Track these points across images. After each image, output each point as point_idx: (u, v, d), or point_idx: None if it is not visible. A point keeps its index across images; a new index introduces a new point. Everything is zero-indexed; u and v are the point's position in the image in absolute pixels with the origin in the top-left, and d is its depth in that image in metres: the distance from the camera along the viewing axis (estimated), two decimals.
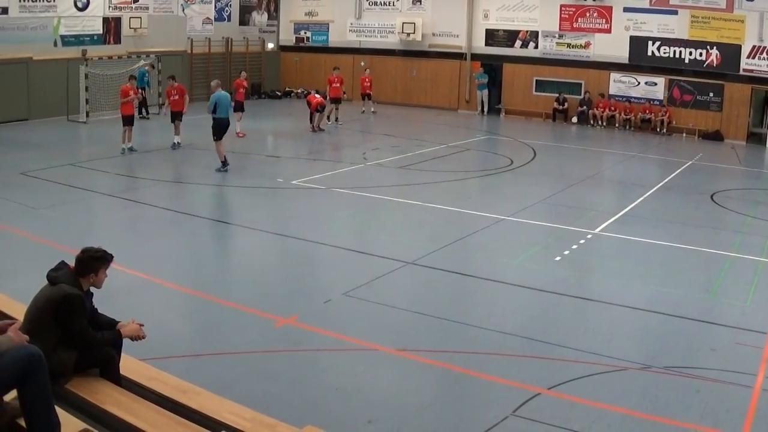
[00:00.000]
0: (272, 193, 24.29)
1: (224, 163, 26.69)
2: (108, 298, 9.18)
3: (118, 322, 8.55)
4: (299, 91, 49.52)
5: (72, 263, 8.28)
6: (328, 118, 38.64)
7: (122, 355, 8.47)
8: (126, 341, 8.48)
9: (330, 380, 11.62)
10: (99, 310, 8.57)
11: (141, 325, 8.58)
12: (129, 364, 8.60)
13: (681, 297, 16.05)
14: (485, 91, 47.12)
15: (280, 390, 11.09)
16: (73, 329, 7.95)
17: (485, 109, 47.30)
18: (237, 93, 34.21)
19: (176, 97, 30.31)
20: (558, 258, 18.38)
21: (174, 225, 20.47)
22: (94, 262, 8.28)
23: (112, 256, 8.45)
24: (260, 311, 14.14)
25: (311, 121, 36.63)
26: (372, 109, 43.36)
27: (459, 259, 18.38)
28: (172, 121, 30.38)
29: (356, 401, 10.98)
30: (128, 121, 29.10)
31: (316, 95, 36.85)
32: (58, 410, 7.15)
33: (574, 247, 19.37)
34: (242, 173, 26.75)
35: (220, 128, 27.07)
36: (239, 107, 34.03)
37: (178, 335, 13.02)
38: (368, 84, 43.65)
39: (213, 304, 14.65)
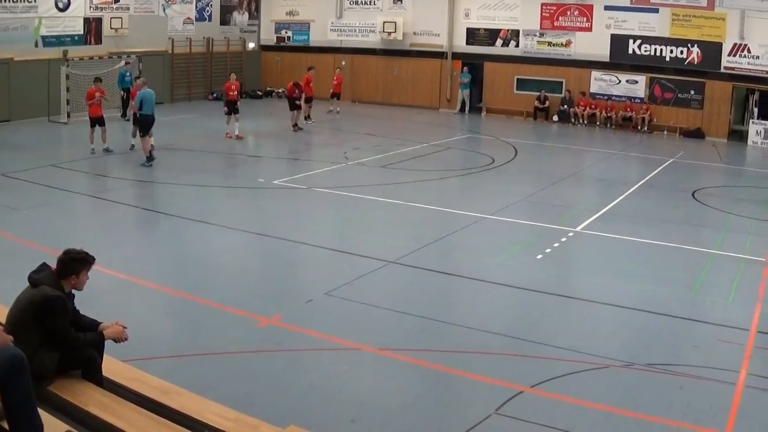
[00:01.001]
0: (254, 193, 24.25)
1: (149, 158, 26.99)
2: (90, 299, 9.14)
3: (100, 323, 8.52)
4: (280, 90, 49.42)
5: (54, 264, 8.24)
6: (306, 117, 38.56)
7: (104, 356, 8.44)
8: (108, 342, 8.45)
9: (313, 380, 11.59)
10: (81, 311, 8.53)
11: (124, 327, 8.55)
12: (111, 366, 8.57)
13: (663, 294, 16.09)
14: (467, 91, 47.15)
15: (262, 390, 11.07)
16: (55, 331, 7.91)
17: (466, 108, 47.31)
18: (227, 95, 33.92)
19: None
20: (540, 256, 18.40)
21: (155, 225, 20.44)
22: (75, 263, 8.24)
23: (93, 259, 8.40)
24: (242, 311, 14.11)
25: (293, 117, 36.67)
26: (337, 109, 43.10)
27: (441, 257, 18.40)
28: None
29: (339, 401, 10.96)
30: (96, 122, 28.75)
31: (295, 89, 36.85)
32: (41, 412, 7.12)
33: (556, 245, 19.40)
34: (224, 173, 26.73)
35: (146, 124, 27.37)
36: (233, 109, 33.70)
37: (160, 336, 12.96)
38: (337, 83, 43.47)
39: (195, 304, 14.61)
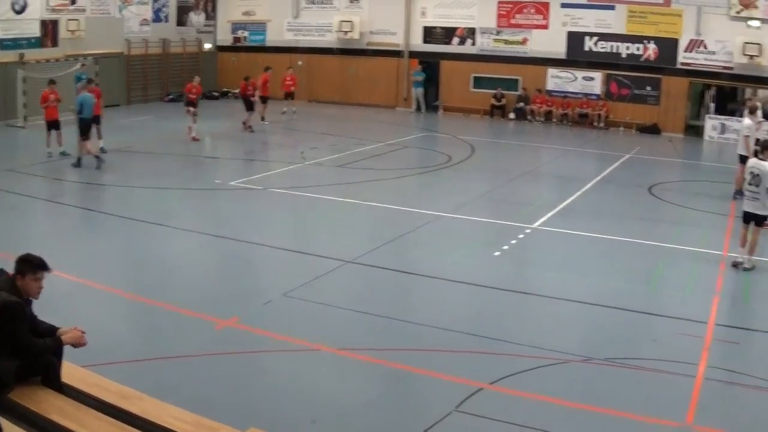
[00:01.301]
0: (210, 195, 24.08)
1: (79, 160, 26.93)
2: (47, 304, 9.01)
3: (58, 328, 8.41)
4: (236, 91, 49.15)
5: (11, 271, 8.16)
6: (262, 118, 38.41)
7: (63, 362, 8.35)
8: (67, 348, 8.36)
9: (272, 381, 11.54)
10: (38, 317, 8.44)
11: (82, 332, 8.46)
12: (71, 371, 8.47)
13: (621, 289, 16.13)
14: (421, 89, 47.11)
15: (222, 393, 10.95)
16: (14, 337, 7.79)
17: (422, 106, 47.29)
18: (188, 97, 33.66)
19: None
20: (498, 253, 18.38)
21: (112, 229, 20.20)
22: (20, 264, 8.16)
23: (41, 264, 8.27)
24: (200, 314, 13.95)
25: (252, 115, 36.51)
26: (293, 109, 42.91)
27: (399, 256, 18.33)
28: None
29: (299, 402, 10.86)
30: (52, 126, 28.46)
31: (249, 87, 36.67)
32: (1, 421, 7.04)
33: (514, 242, 19.39)
34: (180, 175, 26.55)
35: (86, 128, 27.27)
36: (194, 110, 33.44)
37: (118, 340, 12.76)
38: (290, 83, 43.28)
39: (153, 307, 14.44)
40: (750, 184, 17.52)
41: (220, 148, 33.67)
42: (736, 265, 17.54)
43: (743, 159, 23.70)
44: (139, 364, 11.83)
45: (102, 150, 29.14)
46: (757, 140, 20.46)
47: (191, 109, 33.10)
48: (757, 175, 17.22)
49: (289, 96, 42.63)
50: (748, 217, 17.58)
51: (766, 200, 17.17)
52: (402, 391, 11.61)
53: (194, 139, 32.72)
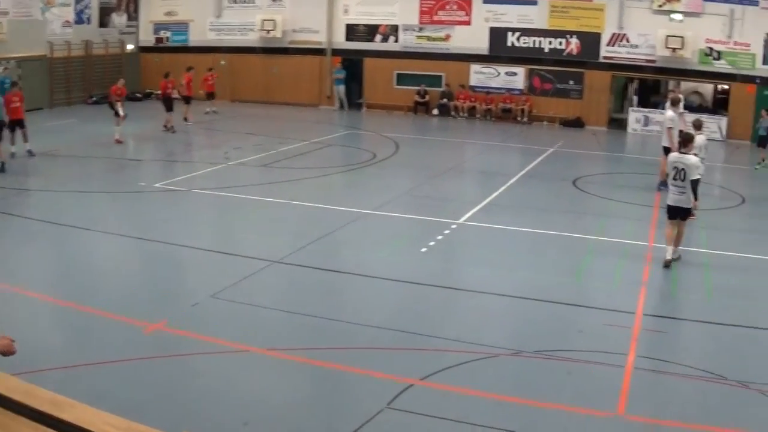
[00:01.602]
0: (135, 198, 23.63)
1: (3, 165, 26.26)
2: None
3: None
4: (159, 92, 48.64)
5: None
6: (185, 118, 38.01)
7: None
8: None
9: (203, 384, 11.34)
10: None
11: (12, 340, 8.16)
12: (1, 381, 8.19)
13: (547, 282, 16.17)
14: (342, 87, 47.03)
15: (154, 397, 10.73)
16: None
17: (344, 104, 47.19)
18: (113, 99, 33.08)
19: (17, 104, 28.68)
20: (424, 249, 18.28)
21: (37, 234, 19.70)
22: None
23: None
24: (129, 318, 13.64)
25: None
26: (213, 109, 42.47)
27: (325, 255, 18.15)
28: (12, 129, 28.64)
29: (231, 404, 10.68)
30: None
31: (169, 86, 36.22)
32: None
33: (440, 237, 19.31)
34: (105, 178, 26.13)
35: None
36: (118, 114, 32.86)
37: (48, 347, 12.42)
38: (211, 83, 42.88)
39: (82, 313, 14.09)
40: (675, 179, 17.31)
41: (144, 150, 33.18)
42: (668, 265, 17.27)
43: (667, 150, 23.88)
44: (71, 370, 11.54)
45: (30, 153, 28.55)
46: (681, 132, 20.57)
47: (118, 111, 32.60)
48: (682, 169, 17.09)
49: (211, 96, 42.25)
50: (675, 212, 17.49)
51: (691, 193, 17.10)
52: (333, 389, 11.49)
53: (118, 142, 32.21)
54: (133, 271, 17.37)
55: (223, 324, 13.76)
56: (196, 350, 12.50)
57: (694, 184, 17.00)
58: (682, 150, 17.54)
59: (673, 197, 17.52)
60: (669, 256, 17.28)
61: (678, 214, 17.45)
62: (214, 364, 12.17)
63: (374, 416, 10.28)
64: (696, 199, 17.11)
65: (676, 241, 17.48)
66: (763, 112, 32.01)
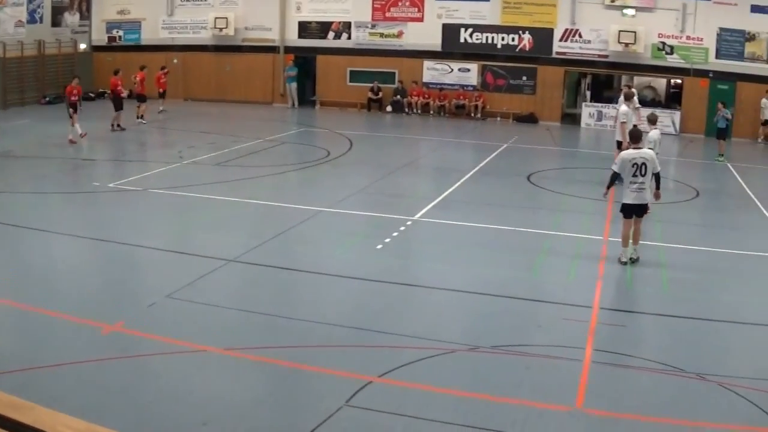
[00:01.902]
0: (90, 198, 23.38)
1: None
2: None
3: None
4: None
5: None
6: (140, 116, 37.74)
7: None
8: None
9: (161, 385, 11.23)
10: None
11: None
12: None
13: (504, 277, 16.19)
14: (294, 84, 46.96)
15: (112, 398, 10.60)
16: None
17: (295, 102, 47.15)
18: (69, 99, 32.71)
19: None
20: (379, 246, 18.23)
21: None
22: None
23: None
24: (85, 320, 13.47)
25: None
26: (163, 108, 42.16)
27: (281, 253, 18.05)
28: None
29: (189, 404, 10.60)
30: None
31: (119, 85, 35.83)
32: None
33: (395, 234, 19.27)
34: (58, 179, 25.88)
35: None
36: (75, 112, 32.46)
37: (5, 350, 12.22)
38: (164, 81, 42.57)
39: (37, 315, 13.88)
40: (635, 175, 16.80)
41: (97, 150, 32.80)
42: (632, 261, 17.06)
43: (620, 145, 24.04)
44: (28, 373, 11.38)
45: None
46: (634, 126, 20.60)
47: (72, 111, 32.27)
48: (643, 164, 16.75)
49: (163, 95, 41.99)
50: (634, 210, 17.05)
51: (653, 187, 17.02)
52: (291, 388, 11.40)
53: (71, 142, 31.88)
54: (89, 273, 17.16)
55: (180, 324, 13.62)
56: (153, 351, 12.38)
57: (658, 176, 16.94)
58: (634, 146, 17.29)
59: (633, 195, 16.97)
60: (629, 255, 17.00)
61: (637, 212, 17.09)
62: (172, 365, 12.05)
63: (333, 414, 10.21)
64: (658, 188, 17.13)
65: (635, 239, 17.21)
66: (719, 105, 32.57)
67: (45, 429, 7.10)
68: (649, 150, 17.27)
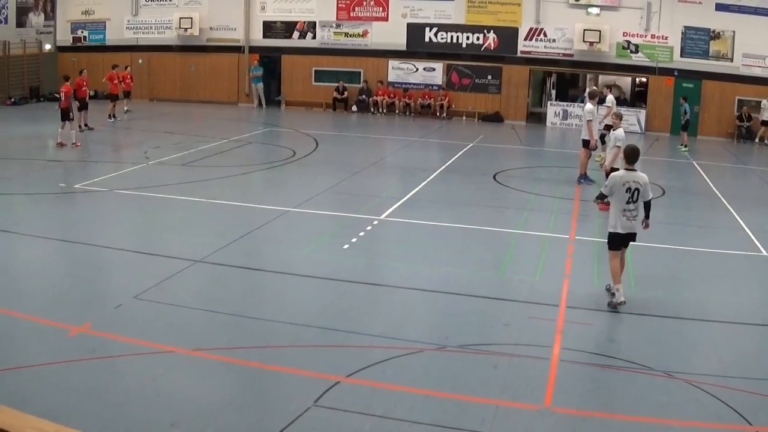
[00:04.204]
0: (56, 199, 23.19)
1: None
2: None
3: None
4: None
5: None
6: (111, 116, 37.57)
7: None
8: None
9: (129, 386, 11.12)
10: None
11: None
12: None
13: (470, 276, 16.22)
14: (260, 84, 46.93)
15: (80, 400, 10.52)
16: None
17: (262, 101, 47.17)
18: (63, 101, 32.39)
19: None
20: (346, 246, 18.20)
21: None
22: None
23: None
24: (52, 321, 13.34)
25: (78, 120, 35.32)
26: (127, 108, 41.97)
27: (247, 253, 17.99)
28: None
29: (157, 405, 10.52)
30: None
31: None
32: None
33: (362, 234, 19.25)
34: (23, 180, 25.68)
35: None
36: (65, 116, 32.09)
37: None
38: (129, 82, 42.33)
39: (4, 316, 13.71)
40: (629, 202, 14.68)
41: (63, 151, 32.55)
42: (620, 304, 14.69)
43: (586, 143, 24.16)
44: None
45: None
46: (606, 126, 20.58)
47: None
48: (636, 189, 14.62)
49: (127, 95, 41.80)
50: (623, 241, 14.98)
51: (641, 215, 15.02)
52: (259, 389, 11.38)
53: (60, 145, 31.55)
54: (56, 274, 17.03)
55: (147, 325, 13.52)
56: (121, 352, 12.29)
57: (649, 204, 14.97)
58: (627, 167, 14.97)
59: (626, 224, 14.81)
60: (622, 298, 14.56)
61: (626, 242, 15.10)
62: (140, 366, 11.96)
63: (302, 414, 10.19)
64: (647, 217, 15.11)
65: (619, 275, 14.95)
66: (681, 100, 33.50)
67: (13, 431, 7.07)
68: (643, 174, 14.91)
